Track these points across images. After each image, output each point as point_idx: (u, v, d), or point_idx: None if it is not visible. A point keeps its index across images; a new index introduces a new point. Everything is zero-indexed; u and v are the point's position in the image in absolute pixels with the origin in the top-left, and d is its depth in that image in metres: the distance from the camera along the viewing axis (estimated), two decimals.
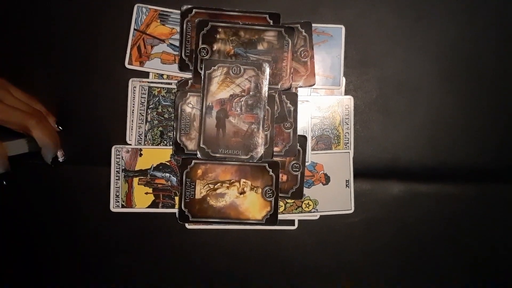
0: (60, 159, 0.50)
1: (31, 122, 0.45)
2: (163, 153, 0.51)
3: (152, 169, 0.51)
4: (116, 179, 0.51)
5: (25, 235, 0.52)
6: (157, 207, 0.51)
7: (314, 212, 0.53)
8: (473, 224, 0.55)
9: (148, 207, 0.51)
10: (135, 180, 0.51)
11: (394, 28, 0.55)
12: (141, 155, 0.51)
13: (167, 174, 0.51)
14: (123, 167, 0.51)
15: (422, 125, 0.55)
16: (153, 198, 0.51)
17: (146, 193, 0.51)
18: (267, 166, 0.51)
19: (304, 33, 0.52)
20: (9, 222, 0.52)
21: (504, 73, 0.55)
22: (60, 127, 0.51)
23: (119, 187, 0.51)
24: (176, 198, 0.51)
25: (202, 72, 0.50)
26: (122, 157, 0.51)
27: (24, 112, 0.46)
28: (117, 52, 0.52)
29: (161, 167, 0.51)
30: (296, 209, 0.53)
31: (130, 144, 0.51)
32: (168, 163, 0.51)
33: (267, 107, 0.50)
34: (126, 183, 0.51)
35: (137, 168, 0.51)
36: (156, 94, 0.52)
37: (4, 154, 0.45)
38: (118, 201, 0.51)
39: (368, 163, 0.54)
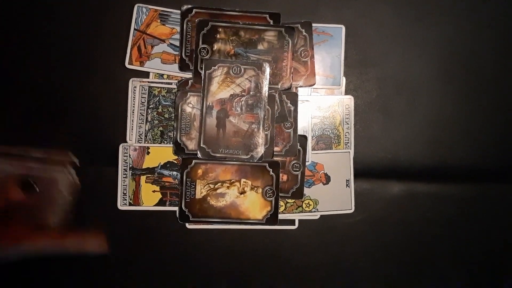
0: None
1: None
2: (170, 151, 0.51)
3: (159, 167, 0.51)
4: (124, 177, 0.51)
5: None
6: (164, 205, 0.51)
7: (314, 211, 0.53)
8: (473, 224, 0.55)
9: (155, 205, 0.51)
10: (143, 178, 0.51)
11: (394, 28, 0.55)
12: (148, 153, 0.51)
13: (174, 172, 0.51)
14: (130, 165, 0.51)
15: (422, 125, 0.55)
16: (161, 196, 0.51)
17: (154, 191, 0.51)
18: (267, 166, 0.51)
19: (304, 33, 0.52)
20: None
21: (504, 73, 0.55)
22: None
23: (126, 185, 0.51)
24: None
25: (202, 72, 0.50)
26: (129, 155, 0.51)
27: None
28: (117, 52, 0.52)
29: (168, 165, 0.51)
30: (297, 208, 0.53)
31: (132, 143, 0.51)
32: (175, 161, 0.51)
33: (267, 107, 0.50)
34: (133, 181, 0.51)
35: (144, 166, 0.51)
36: (156, 94, 0.52)
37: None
38: (126, 199, 0.51)
39: (368, 163, 0.54)
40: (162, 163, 0.51)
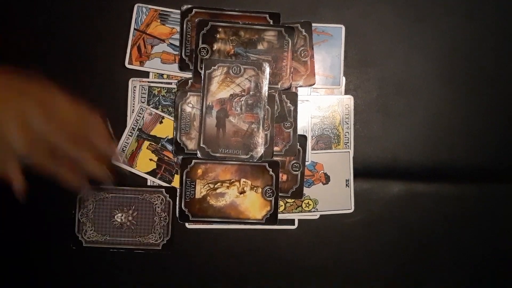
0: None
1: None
2: None
3: (165, 139, 0.51)
4: (129, 135, 0.51)
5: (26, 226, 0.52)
6: (155, 177, 0.51)
7: (314, 211, 0.53)
8: (473, 224, 0.55)
9: (147, 173, 0.51)
10: (146, 143, 0.51)
11: (394, 28, 0.55)
12: (161, 122, 0.51)
13: None
14: (140, 127, 0.51)
15: (422, 125, 0.55)
16: (155, 167, 0.51)
17: (150, 160, 0.51)
18: (267, 166, 0.51)
19: (304, 33, 0.52)
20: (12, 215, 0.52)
21: (504, 73, 0.55)
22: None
23: (128, 144, 0.51)
24: (176, 176, 0.51)
25: (202, 72, 0.50)
26: (143, 117, 0.51)
27: None
28: (117, 52, 0.52)
29: None
30: (296, 208, 0.53)
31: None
32: None
33: (267, 106, 0.50)
34: (136, 143, 0.51)
35: (152, 133, 0.51)
36: (156, 93, 0.52)
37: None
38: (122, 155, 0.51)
39: (368, 163, 0.54)
40: (169, 137, 0.51)
